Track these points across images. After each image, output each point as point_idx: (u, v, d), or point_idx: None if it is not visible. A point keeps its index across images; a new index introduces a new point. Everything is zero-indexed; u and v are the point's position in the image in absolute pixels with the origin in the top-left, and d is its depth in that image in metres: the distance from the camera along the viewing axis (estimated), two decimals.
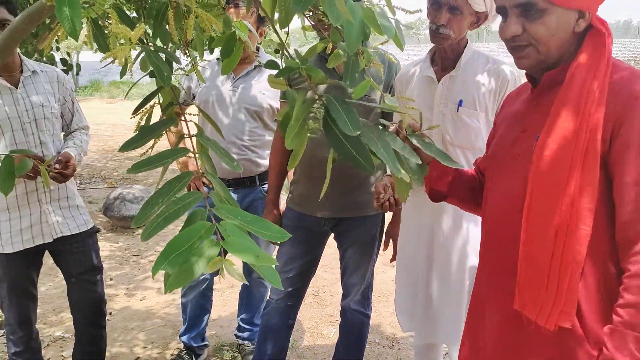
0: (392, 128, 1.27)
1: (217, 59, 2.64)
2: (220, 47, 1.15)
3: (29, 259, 2.18)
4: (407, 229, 2.09)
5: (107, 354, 2.45)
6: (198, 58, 1.12)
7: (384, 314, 3.43)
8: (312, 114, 1.00)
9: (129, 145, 1.01)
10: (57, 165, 2.02)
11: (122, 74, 0.97)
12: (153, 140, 1.04)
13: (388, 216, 2.25)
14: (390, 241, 2.33)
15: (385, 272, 3.99)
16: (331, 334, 3.18)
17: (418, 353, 2.20)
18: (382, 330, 3.24)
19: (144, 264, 4.28)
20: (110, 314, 3.40)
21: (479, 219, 1.90)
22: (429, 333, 2.02)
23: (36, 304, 2.30)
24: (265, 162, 2.64)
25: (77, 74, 6.45)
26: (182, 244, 0.82)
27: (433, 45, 1.92)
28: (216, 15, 0.95)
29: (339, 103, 0.95)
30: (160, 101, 1.05)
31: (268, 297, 2.46)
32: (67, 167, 2.07)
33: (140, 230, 5.07)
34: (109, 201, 5.27)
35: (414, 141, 1.22)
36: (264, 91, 2.58)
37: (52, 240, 2.16)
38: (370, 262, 2.36)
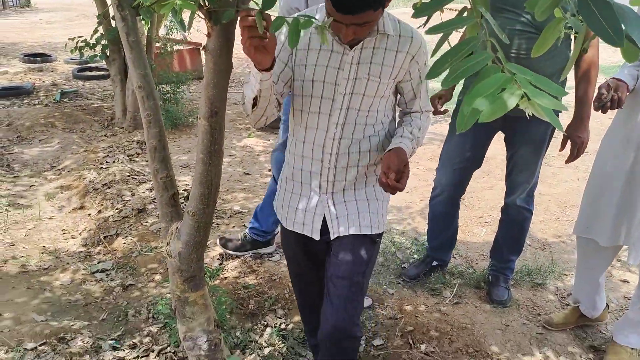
0: None
1: None
2: None
3: (303, 246, 1.83)
4: (613, 137, 2.16)
5: None
6: None
7: (534, 221, 3.53)
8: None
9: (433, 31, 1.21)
10: (392, 176, 1.51)
11: None
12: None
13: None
14: (568, 142, 2.42)
15: None
16: (482, 233, 3.38)
17: (594, 254, 2.30)
18: (532, 234, 3.38)
19: None
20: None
21: None
22: (617, 236, 2.15)
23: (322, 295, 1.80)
24: None
25: None
26: (486, 90, 1.01)
27: None
28: None
29: None
30: None
31: (432, 189, 2.76)
32: (402, 177, 1.54)
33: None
34: None
35: None
36: None
37: (318, 239, 1.74)
38: (539, 161, 2.50)
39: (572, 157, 2.40)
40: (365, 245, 1.72)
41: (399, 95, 1.76)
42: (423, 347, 2.32)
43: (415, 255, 3.10)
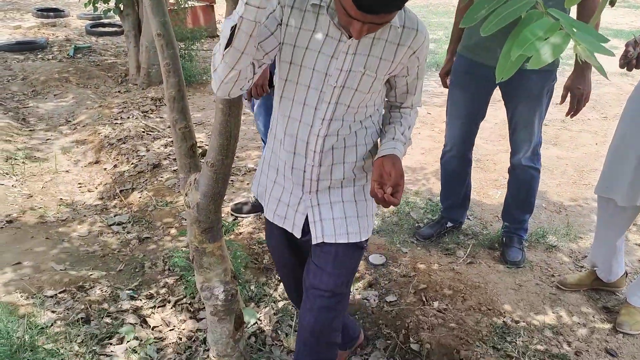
0: None
1: None
2: None
3: (286, 240, 1.74)
4: (637, 97, 2.11)
5: None
6: None
7: (550, 184, 3.53)
8: None
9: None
10: (388, 190, 1.37)
11: None
12: None
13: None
14: (568, 96, 2.37)
15: (547, 148, 4.01)
16: (496, 195, 3.36)
17: (613, 214, 2.27)
18: (548, 197, 3.36)
19: None
20: None
21: None
22: (635, 197, 2.13)
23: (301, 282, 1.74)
24: None
25: None
26: (534, 35, 0.98)
27: None
28: None
29: None
30: None
31: (443, 147, 2.77)
32: (397, 191, 1.39)
33: None
34: None
35: None
36: None
37: (299, 237, 1.62)
38: (540, 117, 2.49)
39: (572, 110, 2.37)
40: (350, 254, 1.58)
41: (387, 86, 1.55)
42: (436, 304, 2.33)
43: (429, 216, 3.10)
